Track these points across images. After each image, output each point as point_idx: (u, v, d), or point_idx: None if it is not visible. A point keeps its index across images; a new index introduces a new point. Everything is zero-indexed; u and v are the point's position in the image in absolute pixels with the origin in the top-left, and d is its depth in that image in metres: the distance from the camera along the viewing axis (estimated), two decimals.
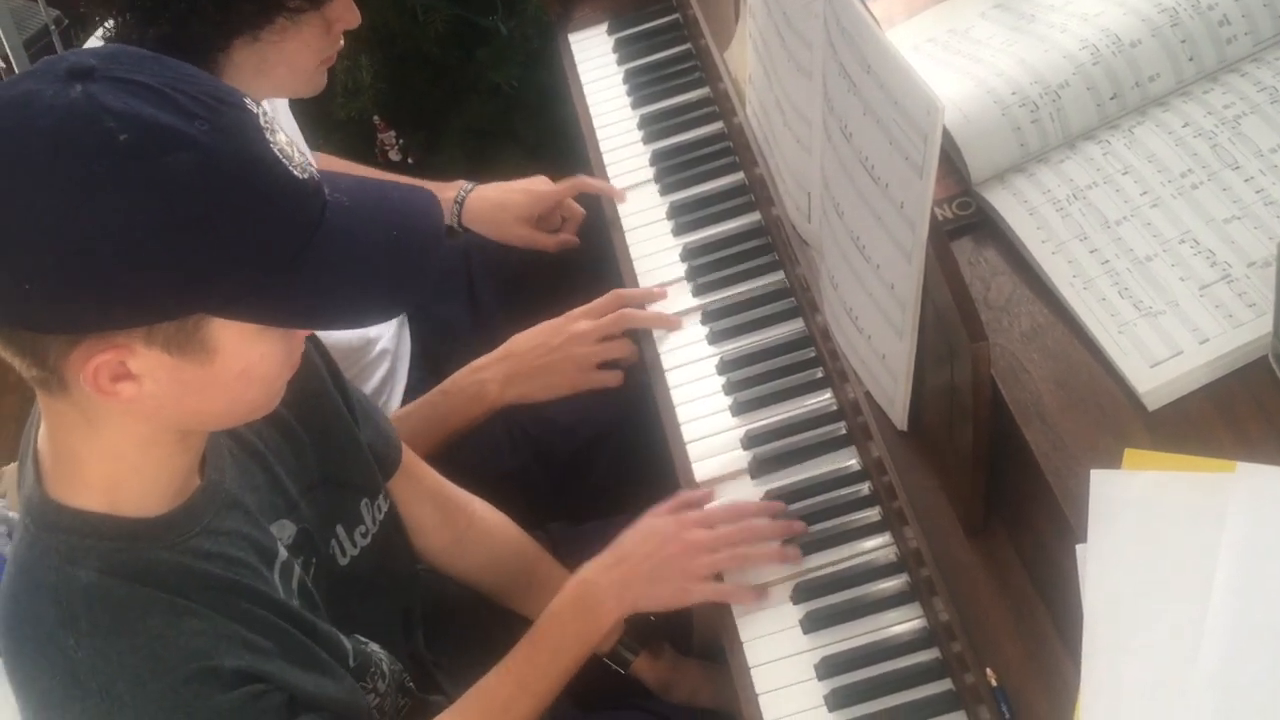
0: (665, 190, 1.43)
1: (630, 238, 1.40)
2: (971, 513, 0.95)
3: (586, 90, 1.58)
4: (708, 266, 1.33)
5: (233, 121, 0.74)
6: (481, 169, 1.99)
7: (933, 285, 0.91)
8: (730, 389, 1.22)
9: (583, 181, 1.48)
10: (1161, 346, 0.89)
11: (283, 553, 0.95)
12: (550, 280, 1.57)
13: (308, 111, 1.56)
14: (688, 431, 1.21)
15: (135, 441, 0.82)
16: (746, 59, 1.30)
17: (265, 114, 0.77)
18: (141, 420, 0.80)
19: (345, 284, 0.79)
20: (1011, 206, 1.01)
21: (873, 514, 1.09)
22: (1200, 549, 0.79)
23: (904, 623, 1.01)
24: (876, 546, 1.07)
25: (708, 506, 1.12)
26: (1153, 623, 0.78)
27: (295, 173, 0.76)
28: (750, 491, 1.14)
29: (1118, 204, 0.98)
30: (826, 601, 1.04)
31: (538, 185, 1.54)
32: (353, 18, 1.20)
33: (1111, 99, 1.02)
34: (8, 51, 2.55)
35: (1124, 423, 0.88)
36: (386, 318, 1.40)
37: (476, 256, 1.64)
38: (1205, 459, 0.83)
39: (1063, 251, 0.97)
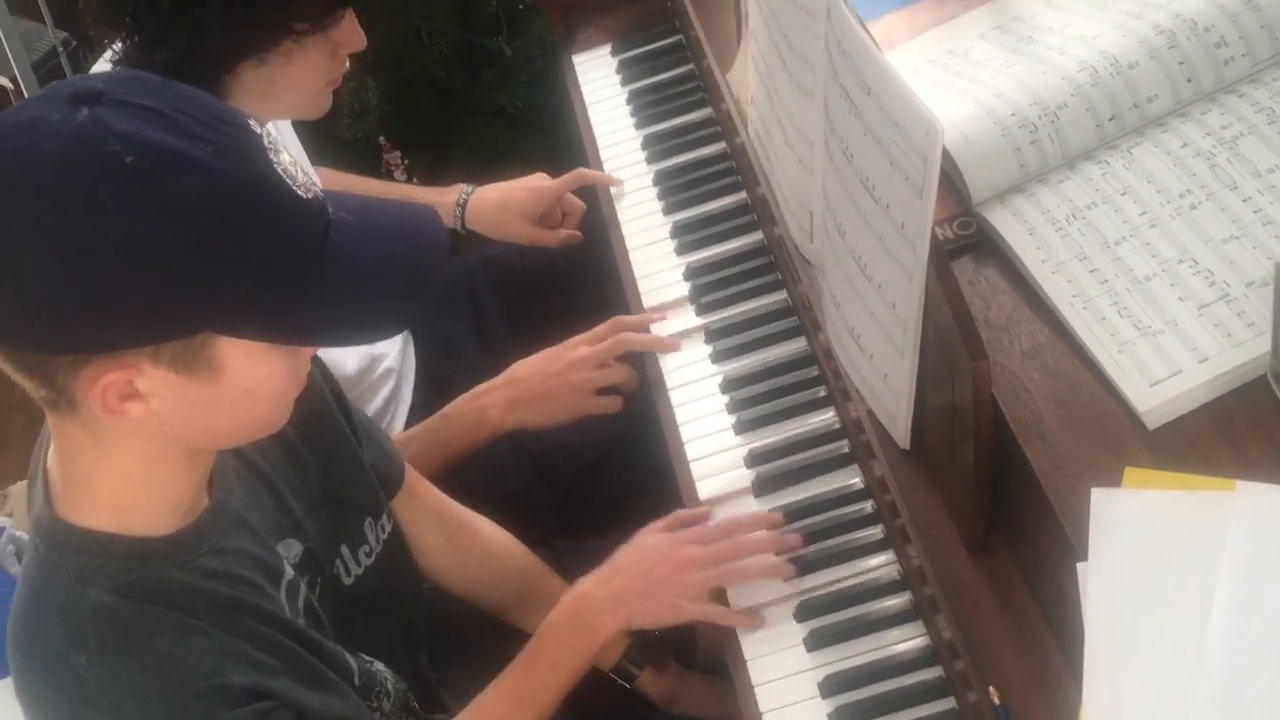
0: (669, 210, 1.44)
1: (634, 257, 1.41)
2: (973, 531, 0.96)
3: (590, 111, 1.59)
4: (711, 285, 1.34)
5: (237, 143, 0.75)
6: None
7: (934, 304, 0.92)
8: (733, 407, 1.23)
9: (582, 174, 1.50)
10: (1161, 366, 0.90)
11: (289, 572, 0.96)
12: (554, 299, 1.58)
13: (314, 132, 1.57)
14: (691, 450, 1.21)
15: (143, 461, 0.83)
16: (748, 80, 1.31)
17: (269, 135, 0.78)
18: (149, 439, 0.81)
19: (350, 301, 0.79)
20: (1011, 226, 1.02)
21: (875, 532, 1.09)
22: (1200, 567, 0.80)
23: (907, 641, 1.02)
24: (879, 564, 1.07)
25: (704, 523, 1.13)
26: (1154, 640, 0.79)
27: (299, 192, 0.77)
28: (753, 510, 1.15)
29: (1117, 224, 0.98)
30: (830, 620, 1.05)
31: (538, 182, 1.56)
32: (358, 41, 1.21)
33: (1110, 120, 1.03)
34: (16, 73, 2.57)
35: (1124, 441, 0.89)
36: (391, 334, 1.41)
37: (481, 275, 1.65)
38: (1205, 478, 0.84)
39: (1062, 271, 0.98)
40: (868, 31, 0.95)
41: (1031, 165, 1.04)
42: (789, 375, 1.23)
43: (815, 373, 1.22)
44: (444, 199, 1.56)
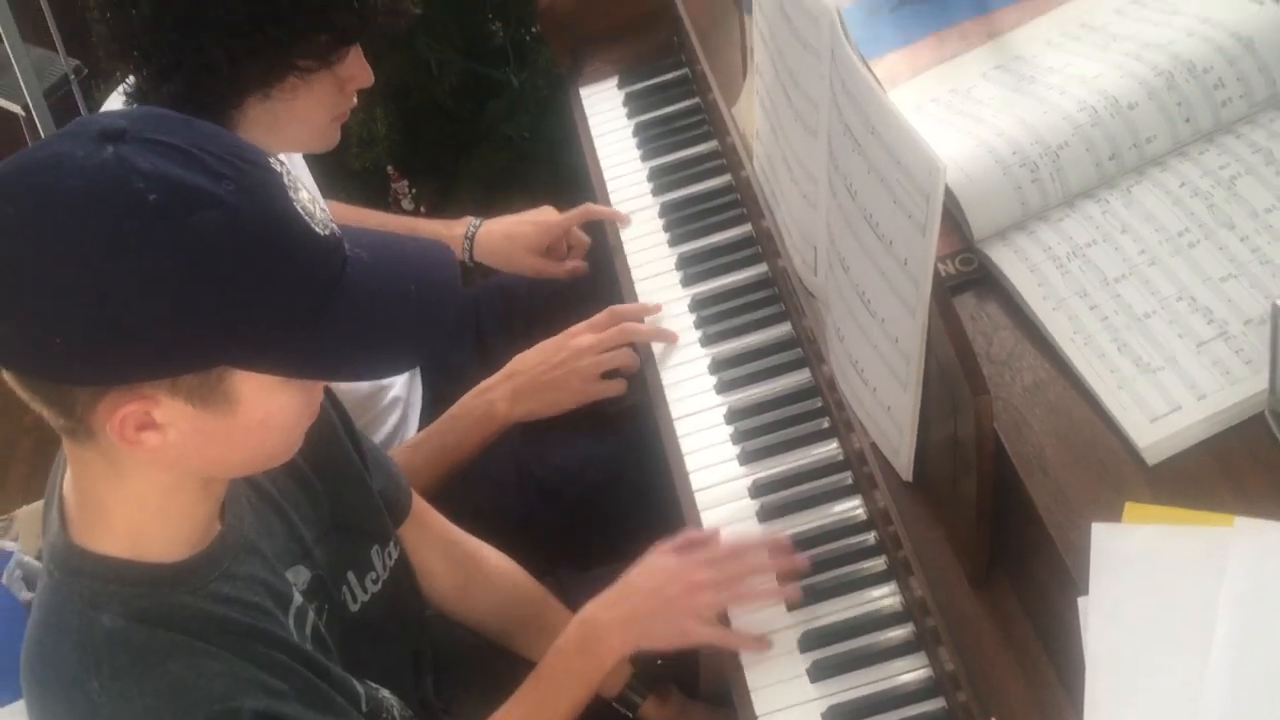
0: (674, 241, 1.45)
1: (640, 288, 1.42)
2: (975, 563, 0.97)
3: (597, 143, 1.61)
4: (716, 317, 1.36)
5: (257, 181, 0.77)
6: (493, 218, 2.02)
7: (936, 339, 0.93)
8: (738, 438, 1.24)
9: (589, 209, 1.52)
10: (1160, 402, 0.91)
11: (297, 598, 0.97)
12: (559, 329, 1.60)
13: (323, 162, 1.59)
14: (696, 480, 1.23)
15: (159, 489, 0.84)
16: (754, 114, 1.33)
17: (288, 173, 0.80)
18: (165, 468, 0.83)
19: (365, 337, 0.81)
20: (1013, 263, 1.03)
21: (878, 563, 1.10)
22: (1200, 602, 0.81)
23: (910, 672, 1.03)
24: (882, 595, 1.08)
25: (713, 546, 1.13)
26: (1154, 675, 0.80)
27: (317, 229, 0.79)
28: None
29: (1116, 262, 1.00)
30: (833, 650, 1.06)
31: (545, 216, 1.58)
32: (366, 77, 1.23)
33: (1110, 159, 1.05)
34: (28, 100, 2.60)
35: (1124, 476, 0.90)
36: (405, 370, 1.42)
37: (486, 305, 1.66)
38: (1204, 513, 0.85)
39: (1063, 308, 0.99)
40: (871, 71, 0.96)
41: (1032, 203, 1.06)
42: (793, 407, 1.25)
43: (819, 404, 1.24)
44: (452, 231, 1.58)
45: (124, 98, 1.19)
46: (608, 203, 1.54)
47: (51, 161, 0.74)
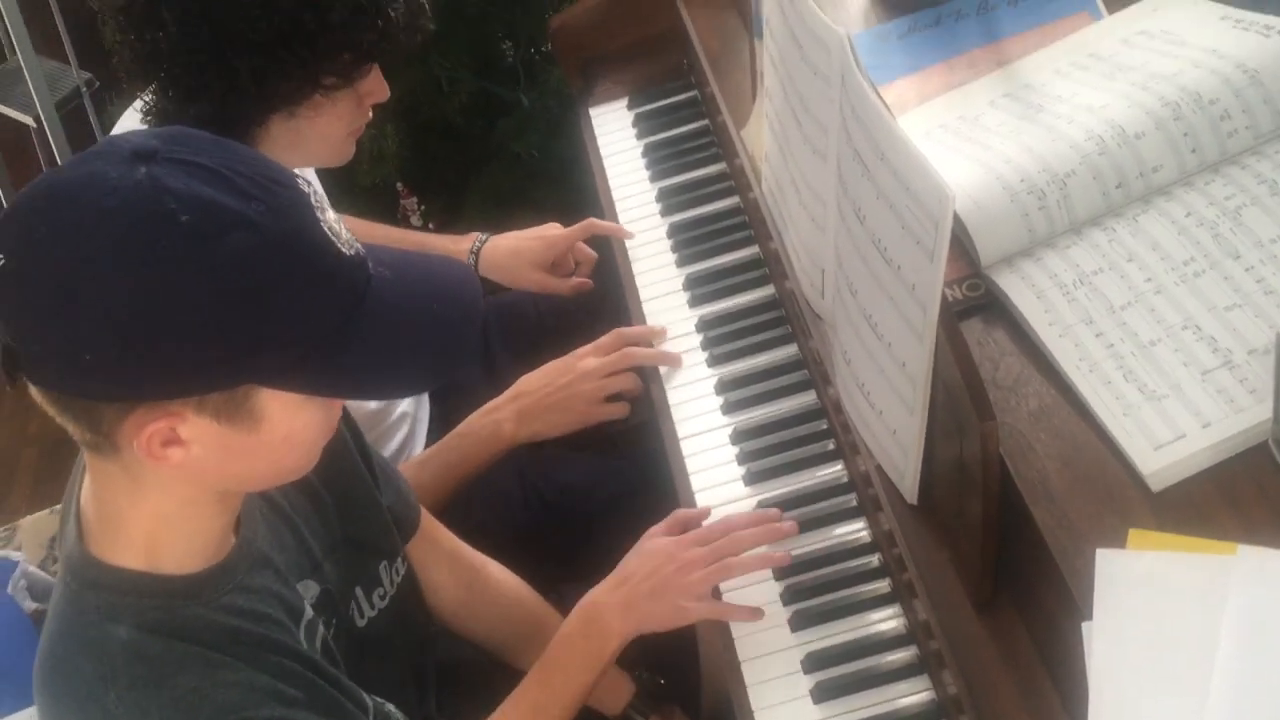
0: (682, 262, 1.46)
1: (647, 308, 1.43)
2: (980, 587, 0.97)
3: (606, 163, 1.63)
4: (723, 338, 1.36)
5: (286, 202, 0.78)
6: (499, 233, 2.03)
7: (943, 364, 0.94)
8: (744, 458, 1.25)
9: (593, 224, 1.54)
10: (1165, 429, 0.92)
11: (309, 611, 0.97)
12: (566, 347, 1.61)
13: (333, 177, 1.61)
14: (701, 499, 1.23)
15: (178, 502, 0.85)
16: (763, 137, 1.34)
17: (315, 193, 0.81)
18: (185, 482, 0.83)
19: (389, 356, 0.82)
20: (1019, 290, 1.04)
21: (883, 586, 1.11)
22: (1203, 629, 0.81)
23: (913, 695, 1.03)
24: (886, 618, 1.09)
25: (704, 523, 1.16)
26: (1157, 700, 0.80)
27: (343, 249, 0.80)
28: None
29: (1122, 290, 1.01)
30: (837, 671, 1.06)
31: (550, 231, 1.59)
32: (383, 92, 1.24)
33: (1116, 188, 1.06)
34: (40, 111, 2.61)
35: (1129, 503, 0.90)
36: (427, 388, 1.44)
37: (494, 322, 1.67)
38: (1208, 541, 0.85)
39: (1069, 334, 1.00)
40: (881, 98, 0.98)
41: (1039, 231, 1.07)
42: (799, 428, 1.25)
43: (825, 426, 1.24)
44: (458, 246, 1.59)
45: (140, 114, 1.20)
46: (617, 221, 1.55)
47: (84, 181, 0.75)
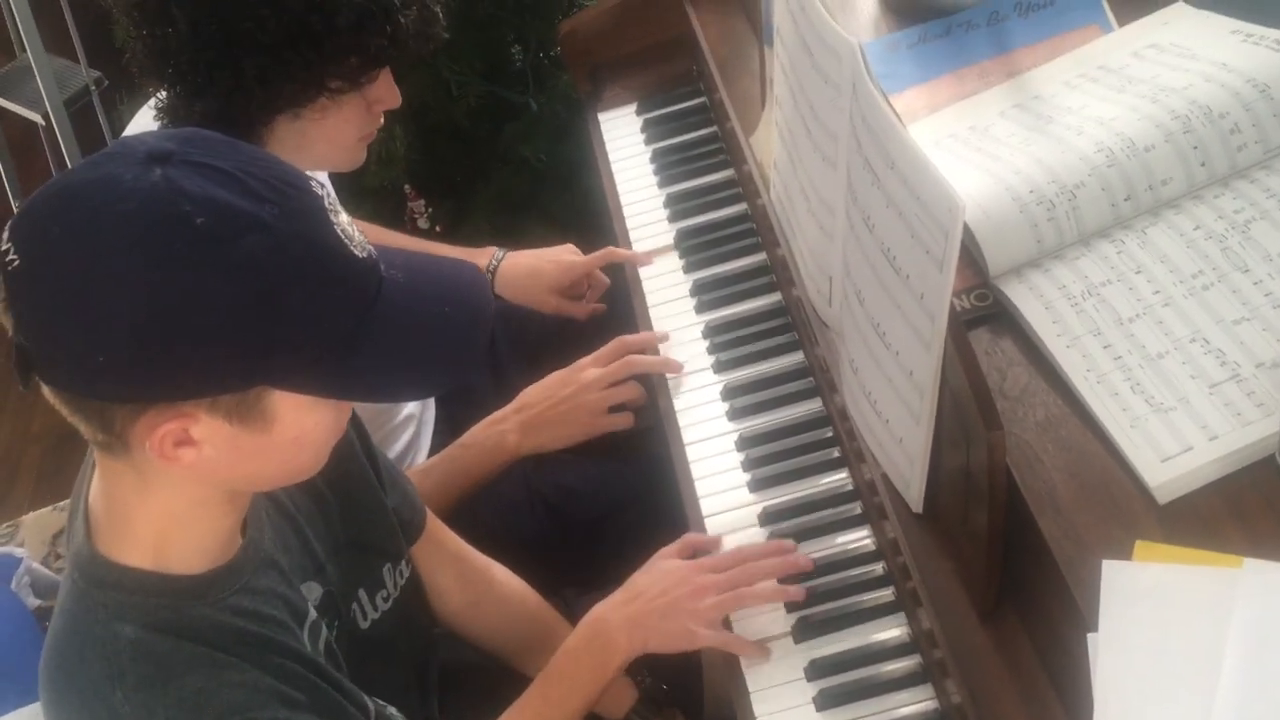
0: (689, 268, 1.47)
1: (654, 314, 1.44)
2: (985, 597, 0.97)
3: (615, 168, 1.63)
4: (729, 344, 1.37)
5: (300, 205, 0.78)
6: (508, 239, 2.03)
7: (950, 373, 0.94)
8: (748, 465, 1.25)
9: (612, 253, 1.53)
10: (1172, 442, 0.92)
11: (312, 613, 0.97)
12: (572, 351, 1.61)
13: (341, 178, 1.61)
14: (706, 505, 1.23)
15: (186, 501, 0.85)
16: (771, 144, 1.35)
17: (329, 195, 0.81)
18: (196, 482, 0.84)
19: (400, 358, 0.82)
20: (1028, 300, 1.04)
21: (886, 594, 1.11)
22: (1208, 642, 0.81)
23: (916, 704, 1.03)
24: (890, 626, 1.09)
25: (717, 552, 1.15)
26: (1162, 714, 0.80)
27: (356, 252, 0.80)
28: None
29: (1130, 302, 1.01)
30: (840, 679, 1.06)
31: (567, 255, 1.59)
32: (394, 99, 1.24)
33: (1125, 200, 1.06)
34: (48, 109, 2.62)
35: (1135, 515, 0.90)
36: (437, 391, 1.44)
37: (500, 326, 1.67)
38: (1214, 553, 0.85)
39: (1077, 345, 1.00)
40: (891, 107, 0.98)
41: (1048, 241, 1.07)
42: (804, 435, 1.25)
43: (830, 434, 1.24)
44: (474, 260, 1.59)
45: (154, 112, 1.21)
46: (624, 227, 1.55)
47: (99, 183, 0.75)
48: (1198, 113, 1.07)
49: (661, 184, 1.58)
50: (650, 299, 1.45)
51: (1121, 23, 1.25)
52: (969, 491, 0.95)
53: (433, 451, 1.52)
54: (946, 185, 0.88)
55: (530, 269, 1.57)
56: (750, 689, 1.08)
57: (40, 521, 1.76)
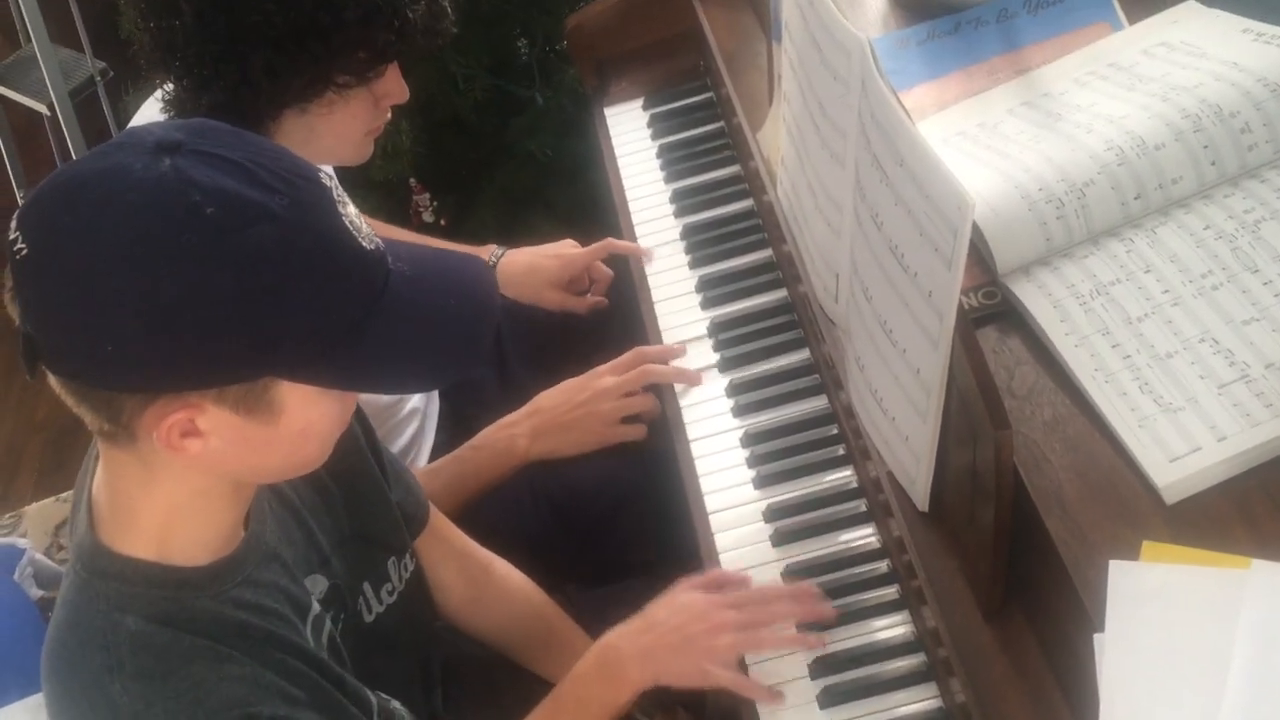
0: (695, 264, 1.46)
1: (659, 309, 1.43)
2: (990, 596, 0.97)
3: (620, 163, 1.63)
4: (735, 340, 1.36)
5: (309, 196, 0.78)
6: (513, 234, 2.03)
7: (958, 371, 0.94)
8: (754, 462, 1.24)
9: (611, 244, 1.53)
10: (1180, 442, 0.92)
11: (315, 607, 0.97)
12: (576, 344, 1.61)
13: (345, 172, 1.60)
14: (710, 502, 1.23)
15: (191, 493, 0.85)
16: (778, 141, 1.34)
17: (337, 187, 0.81)
18: (200, 473, 0.84)
19: (406, 350, 0.82)
20: (1036, 299, 1.04)
21: (891, 592, 1.11)
22: (1215, 644, 0.81)
23: (920, 702, 1.03)
24: (894, 624, 1.08)
25: (741, 589, 1.12)
26: (1169, 715, 0.80)
27: (364, 244, 0.80)
28: (770, 563, 1.16)
29: (1139, 301, 1.01)
30: (844, 677, 1.06)
31: (567, 250, 1.58)
32: (401, 93, 1.24)
33: (1135, 199, 1.06)
34: (53, 99, 2.62)
35: (1142, 515, 0.90)
36: (442, 384, 1.43)
37: (505, 320, 1.67)
38: (1221, 554, 0.85)
39: (1085, 345, 1.00)
40: (901, 104, 0.97)
41: (1057, 240, 1.06)
42: (810, 432, 1.25)
43: (835, 431, 1.24)
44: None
45: (160, 104, 1.21)
46: (630, 223, 1.55)
47: (108, 172, 0.75)
48: (1208, 111, 1.07)
49: (667, 179, 1.58)
50: (655, 294, 1.45)
51: (1132, 20, 1.24)
52: (975, 490, 0.94)
53: (436, 445, 1.52)
54: (956, 183, 0.87)
55: (528, 265, 1.57)
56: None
57: (43, 512, 1.77)
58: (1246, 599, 0.82)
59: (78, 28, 2.70)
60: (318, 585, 1.00)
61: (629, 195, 1.58)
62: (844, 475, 1.21)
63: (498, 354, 1.65)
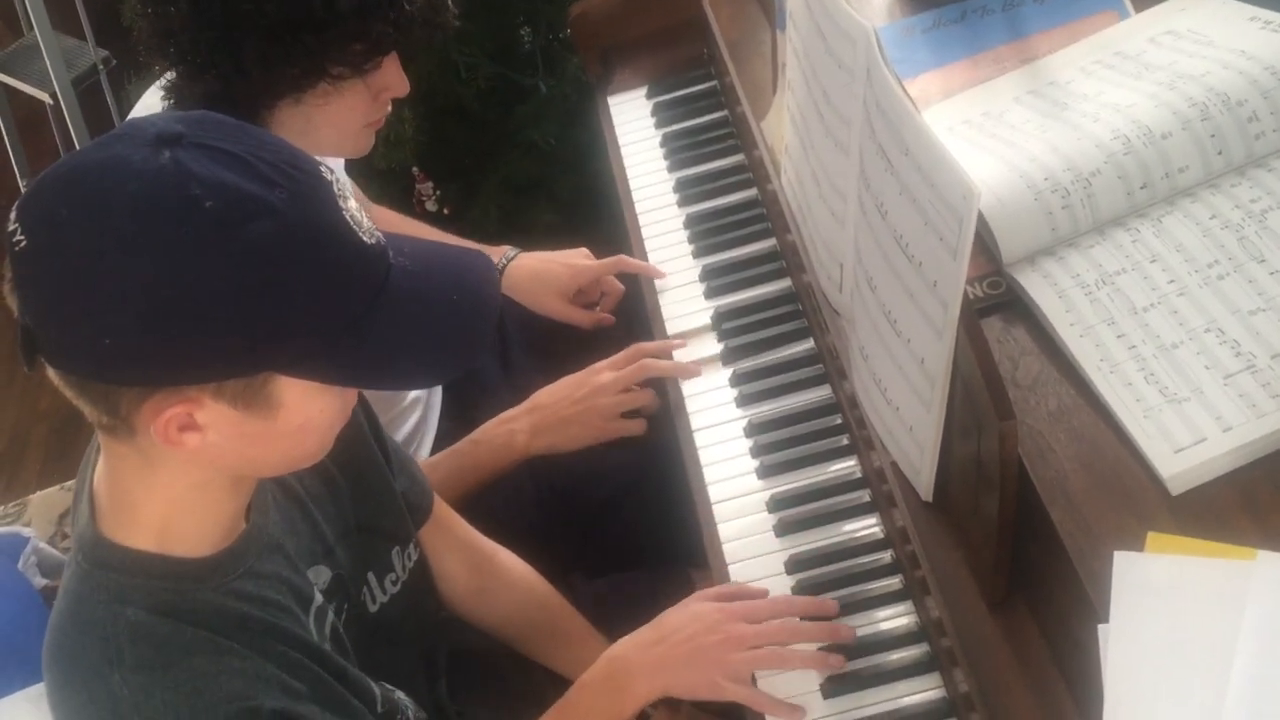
0: (698, 253, 1.46)
1: (663, 299, 1.43)
2: (994, 586, 0.97)
3: (624, 152, 1.62)
4: (738, 330, 1.36)
5: (309, 190, 0.78)
6: (516, 223, 2.03)
7: (962, 361, 0.94)
8: (757, 451, 1.24)
9: (623, 261, 1.50)
10: (1185, 433, 0.91)
11: (318, 598, 0.97)
12: (579, 335, 1.60)
13: (348, 161, 1.61)
14: (714, 492, 1.23)
15: (191, 485, 0.85)
16: (782, 130, 1.34)
17: (337, 181, 0.81)
18: (199, 467, 0.83)
19: (406, 346, 0.81)
20: (1041, 288, 1.04)
21: (894, 582, 1.10)
22: (1220, 635, 0.81)
23: (923, 692, 1.03)
24: (897, 614, 1.08)
25: (757, 600, 1.09)
26: (1173, 706, 0.80)
27: (364, 238, 0.79)
28: (774, 554, 1.16)
29: (1145, 291, 1.00)
30: (848, 667, 1.05)
31: (577, 260, 1.55)
32: (402, 86, 1.23)
33: (1141, 188, 1.05)
34: (56, 88, 2.61)
35: (1147, 506, 0.90)
36: (443, 380, 1.42)
37: (509, 310, 1.67)
38: (1227, 545, 0.85)
39: (1090, 335, 0.99)
40: (906, 92, 0.97)
41: (1062, 229, 1.06)
42: (813, 422, 1.25)
43: (839, 421, 1.24)
44: None
45: (161, 92, 1.20)
46: (633, 212, 1.54)
47: (107, 164, 0.75)
48: (1215, 100, 1.06)
49: (671, 168, 1.57)
50: (659, 284, 1.45)
51: (1138, 9, 1.23)
52: (980, 480, 0.94)
53: (438, 434, 1.52)
54: (961, 172, 0.87)
55: (535, 272, 1.55)
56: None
57: (47, 501, 1.77)
58: (1252, 590, 0.82)
59: (80, 16, 2.69)
60: (321, 576, 1.00)
61: (632, 184, 1.58)
62: (848, 465, 1.20)
63: (500, 342, 1.65)
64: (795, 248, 1.32)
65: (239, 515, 0.91)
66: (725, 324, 1.37)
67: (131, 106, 1.41)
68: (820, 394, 1.27)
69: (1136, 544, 0.87)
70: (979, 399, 0.91)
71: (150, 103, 1.30)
